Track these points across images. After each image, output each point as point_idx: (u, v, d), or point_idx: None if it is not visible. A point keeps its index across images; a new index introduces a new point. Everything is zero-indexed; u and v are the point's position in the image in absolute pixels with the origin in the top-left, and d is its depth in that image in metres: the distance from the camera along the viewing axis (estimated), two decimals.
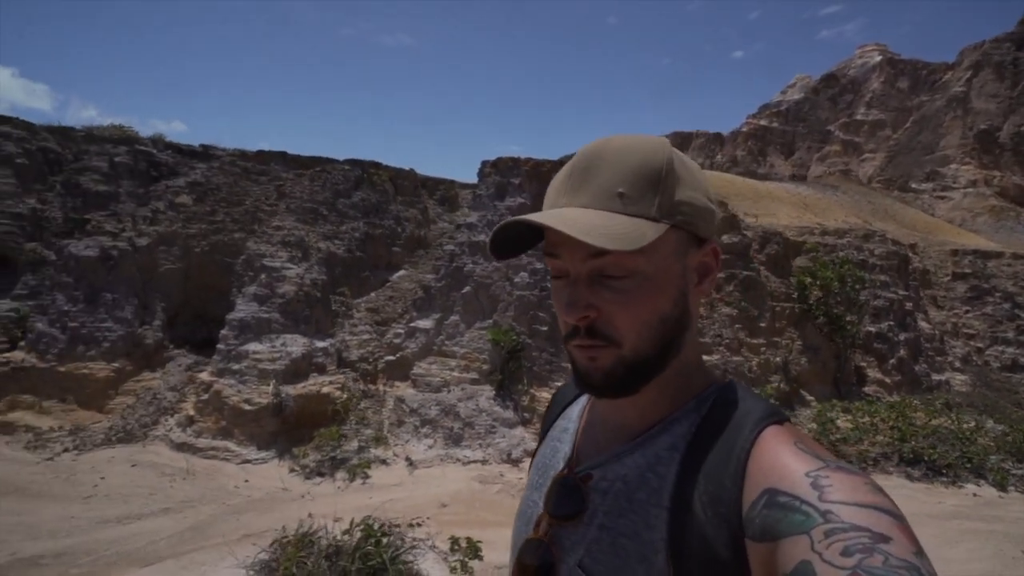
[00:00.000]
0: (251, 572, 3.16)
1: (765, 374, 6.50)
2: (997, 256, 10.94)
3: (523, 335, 6.20)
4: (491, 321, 6.18)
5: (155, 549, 3.48)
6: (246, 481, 4.56)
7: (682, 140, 58.77)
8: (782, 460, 0.41)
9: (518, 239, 0.49)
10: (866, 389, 7.29)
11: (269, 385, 5.09)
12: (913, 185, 25.11)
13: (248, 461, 4.88)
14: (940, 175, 25.51)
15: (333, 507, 4.06)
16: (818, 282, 7.24)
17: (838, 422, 5.88)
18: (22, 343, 6.11)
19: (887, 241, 9.51)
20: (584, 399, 0.61)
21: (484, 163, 7.87)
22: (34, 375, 5.63)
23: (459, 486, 4.72)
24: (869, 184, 23.89)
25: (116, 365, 5.74)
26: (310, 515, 3.79)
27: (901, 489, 4.97)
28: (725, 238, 7.14)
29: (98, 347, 5.71)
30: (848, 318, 7.21)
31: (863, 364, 7.51)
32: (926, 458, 5.35)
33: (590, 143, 0.50)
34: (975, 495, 4.97)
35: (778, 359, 6.71)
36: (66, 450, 4.95)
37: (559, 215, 0.45)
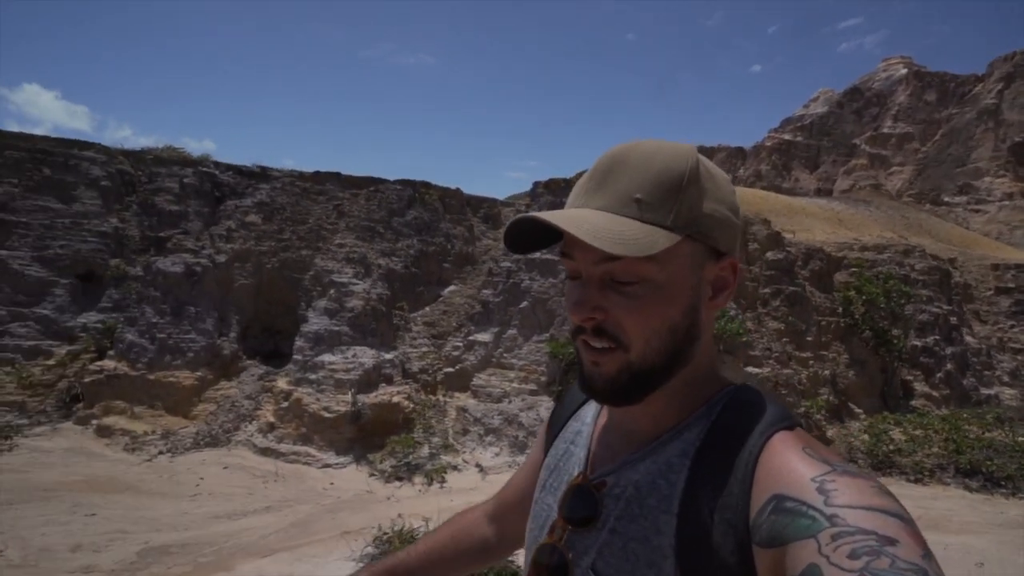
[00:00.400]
0: (361, 564, 3.45)
1: (815, 387, 6.63)
2: None
3: None
4: (548, 335, 6.47)
5: (266, 543, 3.80)
6: (332, 484, 4.88)
7: (704, 154, 58.80)
8: (789, 465, 0.41)
9: (537, 235, 0.49)
10: (914, 403, 7.33)
11: (347, 394, 5.43)
12: (946, 199, 24.81)
13: (329, 465, 5.20)
14: (974, 188, 25.18)
15: (418, 508, 4.35)
16: (863, 297, 7.38)
17: (891, 434, 5.98)
18: (110, 352, 6.59)
19: (927, 256, 9.55)
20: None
21: (536, 184, 8.23)
22: (126, 382, 6.07)
23: None
24: (900, 198, 23.72)
25: (199, 374, 6.16)
26: (400, 515, 4.09)
27: (961, 500, 5.05)
28: (770, 255, 7.34)
29: (183, 357, 6.14)
30: (893, 332, 7.32)
31: (910, 378, 7.57)
32: (983, 470, 5.42)
33: (617, 146, 0.50)
34: None
35: (826, 372, 6.84)
36: (160, 452, 5.34)
37: (572, 216, 0.45)
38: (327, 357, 5.87)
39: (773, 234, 7.57)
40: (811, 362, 6.88)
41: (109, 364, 6.23)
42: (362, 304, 6.46)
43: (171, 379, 6.02)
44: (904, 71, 42.06)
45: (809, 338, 6.99)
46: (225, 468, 5.06)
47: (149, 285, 6.55)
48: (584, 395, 0.60)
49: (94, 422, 5.90)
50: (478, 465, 5.31)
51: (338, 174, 10.06)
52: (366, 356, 6.00)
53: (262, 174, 9.99)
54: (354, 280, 6.78)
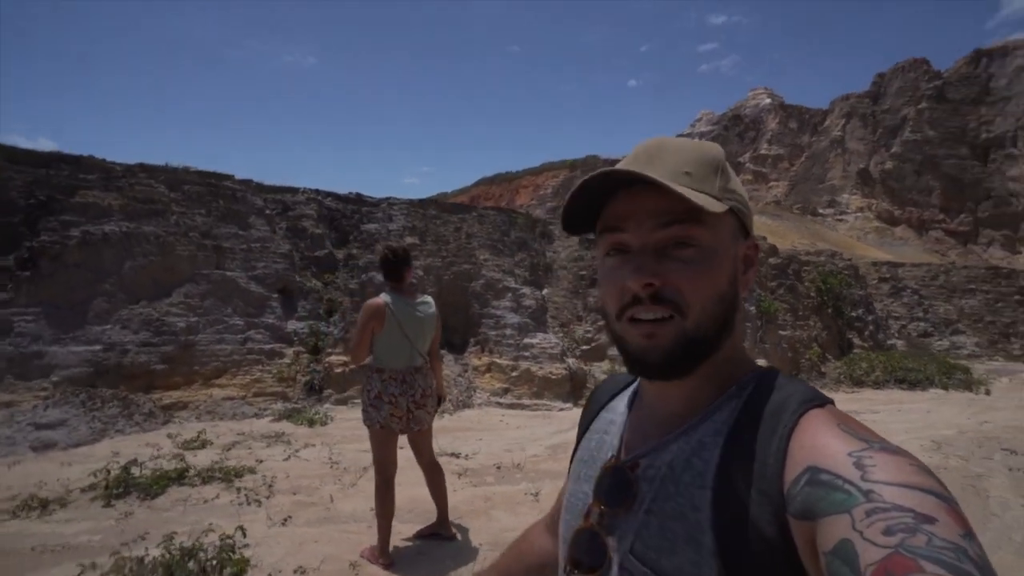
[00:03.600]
0: None
1: (808, 343, 10.50)
2: (901, 266, 16.22)
3: None
4: None
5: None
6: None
7: (607, 166, 65.08)
8: (824, 439, 0.41)
9: (580, 217, 0.52)
10: (855, 351, 11.60)
11: (564, 362, 7.96)
12: (820, 211, 32.21)
13: (562, 409, 7.72)
14: (837, 203, 32.92)
15: None
16: (827, 285, 11.53)
17: (859, 364, 10.04)
18: (337, 350, 8.28)
19: (843, 257, 14.22)
20: (628, 393, 0.63)
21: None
22: None
23: None
24: (791, 210, 30.53)
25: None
26: None
27: (901, 394, 9.06)
28: (771, 260, 11.10)
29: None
30: (844, 308, 11.57)
31: (851, 336, 11.86)
32: (907, 379, 9.58)
33: (647, 140, 0.53)
34: (935, 392, 9.21)
35: (812, 334, 10.77)
36: (442, 413, 7.44)
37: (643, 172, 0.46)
38: (530, 339, 8.31)
39: (771, 246, 11.43)
40: (803, 328, 10.74)
41: (337, 359, 8.00)
42: (534, 303, 8.95)
43: None
44: (768, 101, 51.49)
45: (801, 313, 10.84)
46: (502, 418, 7.36)
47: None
48: (615, 388, 0.65)
49: (355, 401, 7.68)
50: None
51: (436, 200, 12.13)
52: (553, 338, 8.53)
53: (357, 200, 11.74)
54: (520, 286, 9.21)
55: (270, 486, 4.44)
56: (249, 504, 4.13)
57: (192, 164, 9.02)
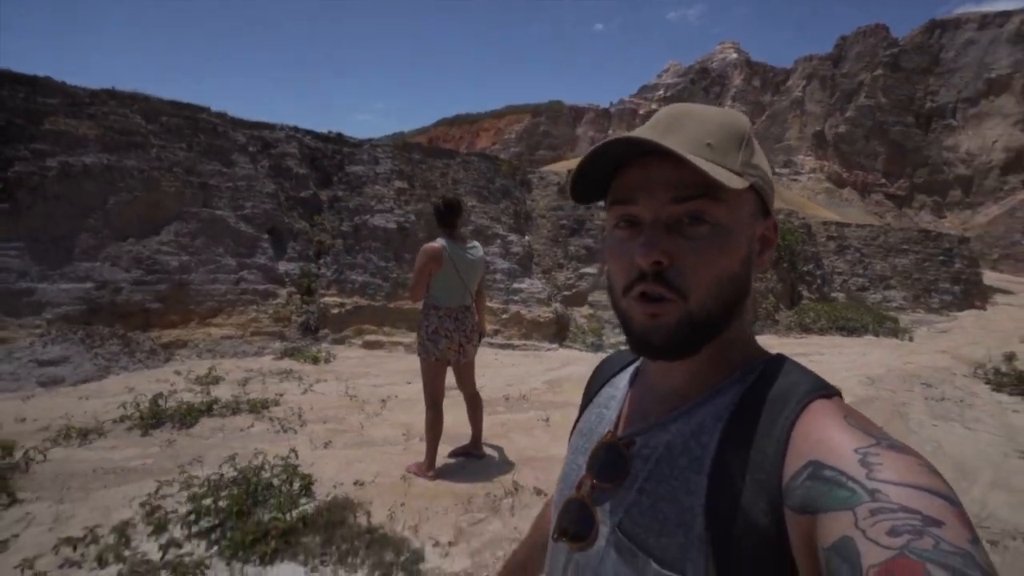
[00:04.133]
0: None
1: (765, 294, 11.50)
2: (847, 226, 17.50)
3: None
4: None
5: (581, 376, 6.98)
6: (563, 357, 8.02)
7: (575, 114, 63.88)
8: (829, 433, 0.40)
9: (590, 185, 0.50)
10: (804, 301, 12.79)
11: (551, 306, 8.45)
12: (777, 170, 33.60)
13: (549, 349, 8.29)
14: (793, 163, 34.39)
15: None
16: (785, 242, 12.47)
17: (807, 313, 11.15)
18: (330, 291, 8.39)
19: (798, 216, 15.24)
20: (631, 369, 0.62)
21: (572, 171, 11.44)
22: (369, 312, 8.19)
23: None
24: None
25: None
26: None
27: (844, 339, 10.25)
28: None
29: (406, 290, 8.41)
30: (798, 263, 12.62)
31: (801, 288, 13.02)
32: (847, 326, 10.79)
33: (673, 104, 0.51)
34: (869, 338, 10.48)
35: (770, 286, 11.77)
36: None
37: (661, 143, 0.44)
38: (519, 285, 8.71)
39: None
40: (762, 280, 11.71)
41: (345, 300, 8.16)
42: (522, 250, 9.29)
43: (408, 306, 8.29)
44: (735, 56, 51.74)
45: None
46: (495, 357, 7.84)
47: (368, 238, 8.46)
48: (618, 365, 0.65)
49: (352, 341, 7.94)
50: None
51: (420, 144, 11.92)
52: (538, 283, 8.97)
53: (339, 139, 11.40)
54: (507, 233, 9.49)
55: (300, 416, 4.75)
56: (285, 432, 4.44)
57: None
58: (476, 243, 3.62)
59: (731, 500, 0.42)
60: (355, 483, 3.51)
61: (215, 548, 2.67)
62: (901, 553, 0.31)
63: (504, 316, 8.46)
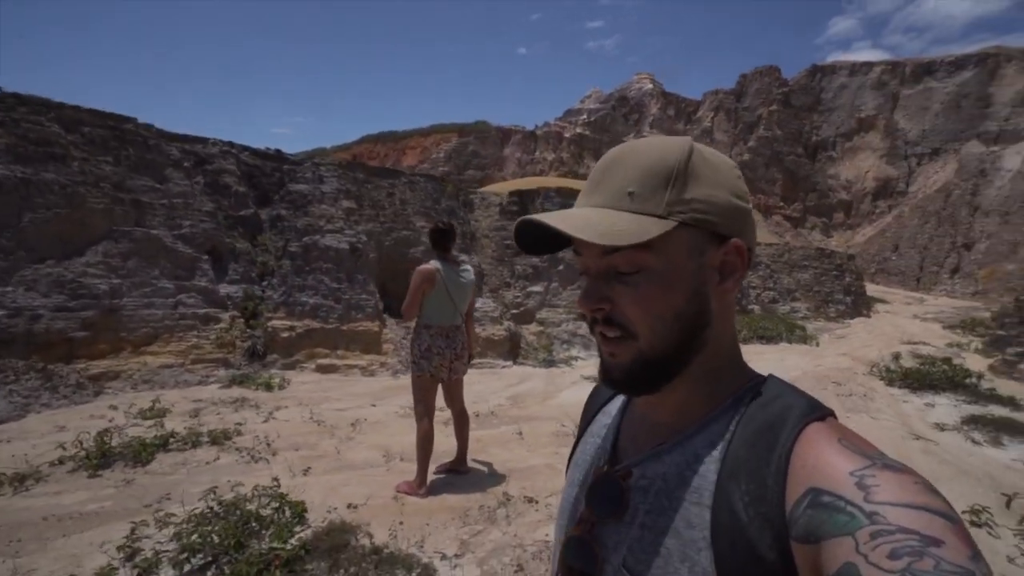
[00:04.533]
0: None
1: None
2: (758, 245, 19.67)
3: None
4: (577, 284, 10.60)
5: (545, 390, 7.22)
6: (518, 374, 8.24)
7: (501, 135, 65.31)
8: (825, 458, 0.40)
9: (547, 238, 0.52)
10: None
11: (503, 324, 8.66)
12: None
13: (504, 366, 8.47)
14: None
15: (584, 369, 8.16)
16: None
17: None
18: (279, 314, 8.03)
19: None
20: (623, 396, 0.62)
21: (512, 193, 11.90)
22: (322, 334, 7.97)
23: None
24: None
25: (376, 324, 8.39)
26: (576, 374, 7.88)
27: (763, 347, 11.39)
28: None
29: (363, 312, 8.28)
30: None
31: None
32: (764, 335, 12.00)
33: (616, 147, 0.52)
34: (784, 345, 11.73)
35: None
36: (397, 372, 7.75)
37: (567, 215, 0.47)
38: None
39: None
40: None
41: (296, 323, 7.86)
42: (474, 269, 9.47)
43: (361, 328, 8.15)
44: (651, 86, 55.77)
45: None
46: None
47: (318, 259, 8.24)
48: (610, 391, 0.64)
49: (304, 365, 7.65)
50: (576, 356, 9.30)
51: (364, 164, 11.74)
52: (490, 302, 9.18)
53: (278, 157, 11.05)
54: (457, 253, 9.63)
55: (268, 444, 4.59)
56: (256, 461, 4.27)
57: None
58: (468, 266, 3.80)
59: (735, 534, 0.42)
60: (348, 506, 3.49)
61: None
62: None
63: None
